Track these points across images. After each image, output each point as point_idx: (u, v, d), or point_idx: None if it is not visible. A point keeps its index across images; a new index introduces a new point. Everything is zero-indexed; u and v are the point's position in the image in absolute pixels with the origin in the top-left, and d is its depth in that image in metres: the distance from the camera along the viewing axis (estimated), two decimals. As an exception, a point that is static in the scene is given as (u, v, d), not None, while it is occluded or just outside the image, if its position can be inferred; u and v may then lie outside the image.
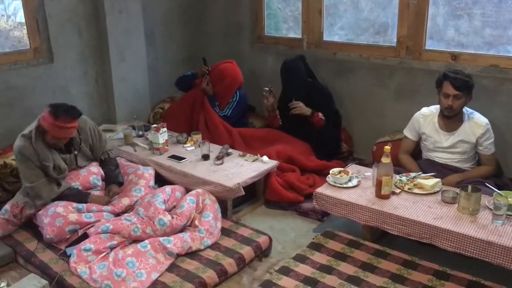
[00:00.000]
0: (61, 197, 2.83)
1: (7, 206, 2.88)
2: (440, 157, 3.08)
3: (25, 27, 3.63)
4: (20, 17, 3.64)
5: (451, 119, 2.97)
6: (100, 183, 3.08)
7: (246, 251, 2.66)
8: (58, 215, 2.70)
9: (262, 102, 3.93)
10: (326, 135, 3.81)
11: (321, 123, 3.71)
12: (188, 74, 4.23)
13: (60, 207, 2.74)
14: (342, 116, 3.97)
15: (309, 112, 3.70)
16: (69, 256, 2.57)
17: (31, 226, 2.89)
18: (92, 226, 2.73)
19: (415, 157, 3.20)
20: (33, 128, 2.81)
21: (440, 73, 2.99)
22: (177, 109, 4.16)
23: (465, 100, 2.91)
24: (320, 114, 3.70)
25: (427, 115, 3.10)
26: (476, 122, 2.94)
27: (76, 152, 3.00)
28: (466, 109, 3.00)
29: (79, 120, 2.89)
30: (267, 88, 3.87)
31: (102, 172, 3.10)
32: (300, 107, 3.70)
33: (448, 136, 3.01)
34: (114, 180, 3.11)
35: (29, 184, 2.80)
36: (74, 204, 2.80)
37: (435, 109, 3.09)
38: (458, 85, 2.85)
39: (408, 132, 3.20)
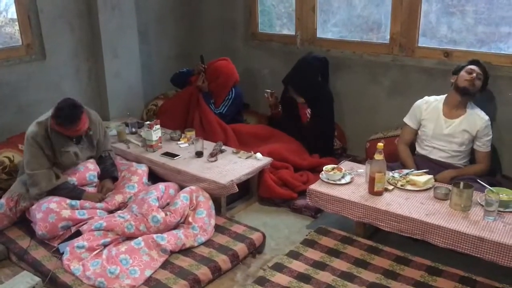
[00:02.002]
0: (57, 190, 2.83)
1: (2, 200, 2.87)
2: (438, 146, 3.08)
3: (17, 23, 3.60)
4: (12, 13, 3.61)
5: (464, 96, 3.01)
6: (96, 180, 3.07)
7: (240, 247, 2.67)
8: (51, 211, 2.69)
9: (265, 101, 3.98)
10: (317, 135, 3.83)
11: (305, 118, 3.69)
12: (184, 71, 4.23)
13: (53, 203, 2.73)
14: (335, 113, 3.97)
15: (301, 101, 3.71)
16: (62, 253, 2.56)
17: (24, 223, 2.88)
18: (85, 223, 2.72)
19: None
20: (49, 116, 2.84)
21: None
22: (171, 106, 4.15)
23: (480, 88, 3.01)
24: (308, 111, 3.69)
25: (431, 102, 3.14)
26: (479, 115, 3.01)
27: (85, 137, 3.03)
28: (472, 104, 3.07)
29: (90, 113, 2.98)
30: (268, 91, 3.91)
31: (98, 169, 3.10)
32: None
33: (450, 123, 3.04)
34: (109, 174, 3.11)
35: (30, 171, 2.81)
36: (68, 201, 2.79)
37: (439, 97, 3.14)
38: (483, 69, 3.00)
39: (408, 119, 3.21)
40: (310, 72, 3.80)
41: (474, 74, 2.97)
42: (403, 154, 3.17)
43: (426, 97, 3.18)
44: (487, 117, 3.01)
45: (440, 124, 3.06)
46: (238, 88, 4.08)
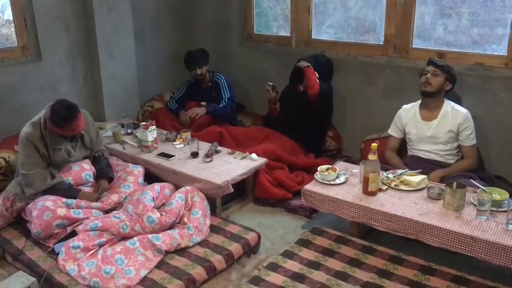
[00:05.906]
0: (52, 190, 2.83)
1: None
2: (425, 149, 3.14)
3: (12, 24, 3.61)
4: (8, 14, 3.62)
5: (430, 98, 3.07)
6: (91, 179, 3.09)
7: (235, 247, 2.68)
8: (46, 209, 2.70)
9: (265, 95, 3.98)
10: (312, 131, 3.90)
11: (315, 86, 3.67)
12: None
13: (49, 201, 2.74)
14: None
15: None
16: (58, 253, 2.57)
17: (19, 223, 2.88)
18: (81, 223, 2.73)
19: (401, 155, 3.26)
20: (42, 116, 2.85)
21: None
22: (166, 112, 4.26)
23: (444, 82, 3.03)
24: (316, 74, 3.70)
25: (409, 109, 3.22)
26: (457, 110, 3.06)
27: (79, 139, 3.04)
28: (448, 102, 3.11)
29: (83, 112, 2.97)
30: (270, 83, 3.91)
31: (94, 169, 3.11)
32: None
33: (430, 125, 3.10)
34: (105, 174, 3.12)
35: (24, 171, 2.82)
36: (63, 199, 2.80)
37: (416, 103, 3.21)
38: (438, 64, 3.04)
39: (392, 131, 3.29)
40: (330, 65, 3.95)
41: (428, 74, 3.03)
42: (391, 157, 3.23)
43: (404, 105, 3.27)
44: (465, 110, 3.06)
45: (421, 127, 3.13)
46: (217, 74, 4.24)
